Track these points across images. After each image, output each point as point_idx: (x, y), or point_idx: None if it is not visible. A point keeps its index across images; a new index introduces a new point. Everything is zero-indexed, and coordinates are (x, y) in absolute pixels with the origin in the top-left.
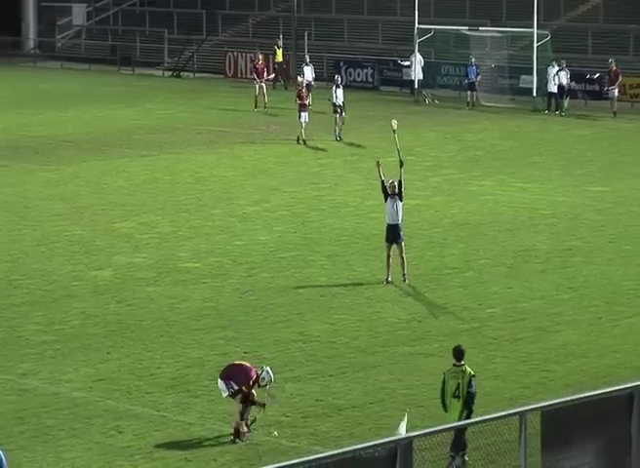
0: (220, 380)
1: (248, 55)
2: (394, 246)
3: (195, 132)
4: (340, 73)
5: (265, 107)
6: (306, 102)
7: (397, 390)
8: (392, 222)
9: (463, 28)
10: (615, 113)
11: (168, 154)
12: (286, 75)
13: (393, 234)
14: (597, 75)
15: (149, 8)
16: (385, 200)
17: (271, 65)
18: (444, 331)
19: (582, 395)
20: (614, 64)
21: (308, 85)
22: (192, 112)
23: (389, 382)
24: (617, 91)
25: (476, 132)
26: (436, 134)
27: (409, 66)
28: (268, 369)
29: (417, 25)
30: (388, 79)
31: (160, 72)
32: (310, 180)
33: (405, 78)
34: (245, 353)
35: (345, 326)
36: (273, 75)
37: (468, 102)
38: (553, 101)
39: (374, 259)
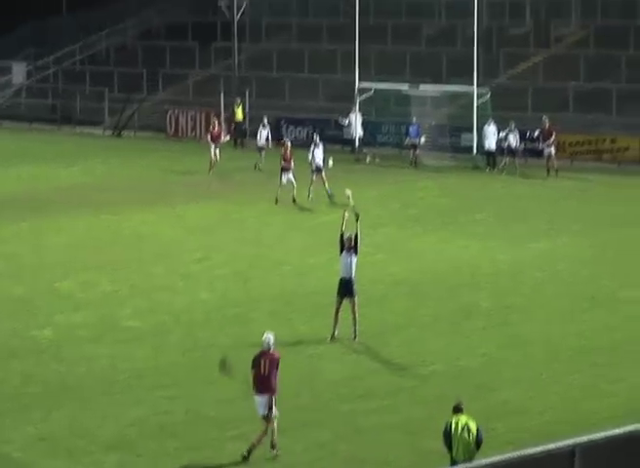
0: (261, 396)
1: (189, 113)
2: (345, 301)
3: (136, 190)
4: (280, 131)
5: (211, 168)
6: (291, 164)
7: (338, 447)
8: (346, 276)
9: (404, 87)
10: (556, 171)
11: (108, 213)
12: (242, 136)
13: (346, 288)
14: (537, 133)
15: (90, 66)
16: (340, 253)
17: (229, 126)
18: (385, 388)
19: (524, 452)
20: (547, 122)
21: (263, 146)
22: (133, 171)
23: (331, 440)
24: (553, 149)
25: (417, 190)
26: (377, 192)
27: (348, 125)
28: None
29: (357, 84)
30: (329, 137)
31: (101, 131)
32: (252, 238)
33: (346, 137)
34: (187, 412)
35: (287, 384)
36: (227, 137)
37: (411, 161)
38: (492, 159)
39: (315, 317)
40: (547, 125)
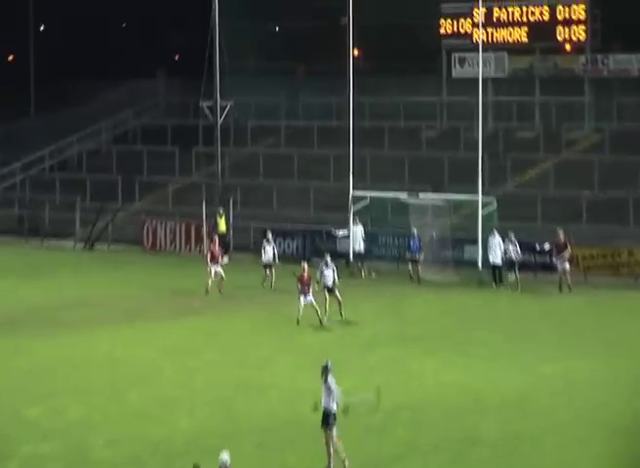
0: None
1: (168, 224)
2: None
3: (111, 307)
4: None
5: (221, 292)
6: (309, 288)
7: None
8: (325, 406)
9: (402, 195)
10: (569, 287)
11: (80, 333)
12: (226, 249)
13: (323, 419)
14: (548, 246)
15: (60, 173)
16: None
17: (212, 238)
18: None
19: None
20: (561, 235)
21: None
22: (107, 287)
23: None
24: (567, 264)
25: (417, 306)
26: (373, 309)
27: (345, 237)
28: None
29: (351, 192)
30: (319, 250)
31: (71, 244)
32: (237, 360)
33: (339, 250)
34: None
35: None
36: (227, 259)
37: (411, 277)
38: (499, 273)
39: (307, 447)
40: (562, 237)
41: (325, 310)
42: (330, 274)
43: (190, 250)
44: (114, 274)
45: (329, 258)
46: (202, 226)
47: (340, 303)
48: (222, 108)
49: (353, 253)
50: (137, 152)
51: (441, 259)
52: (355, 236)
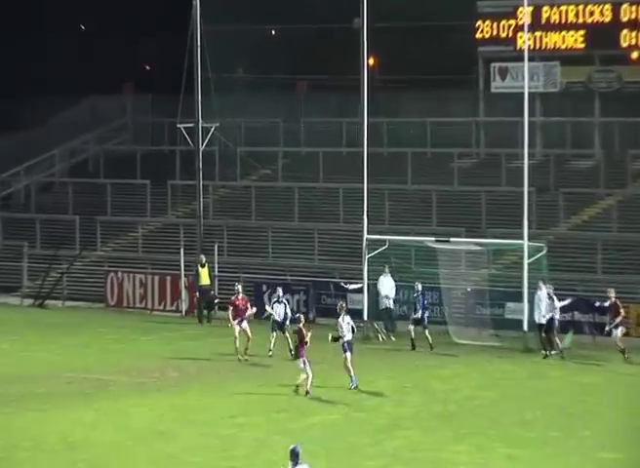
0: None
1: (137, 276)
2: None
3: (66, 380)
4: (262, 300)
5: (245, 354)
6: (307, 342)
7: None
8: None
9: (429, 239)
10: (624, 355)
11: (28, 411)
12: (210, 305)
13: None
14: (609, 303)
15: (4, 213)
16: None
17: (192, 293)
18: None
19: None
20: (613, 295)
21: (282, 324)
22: (61, 354)
23: None
24: (620, 330)
25: (446, 379)
26: (393, 382)
27: (357, 291)
28: None
29: (366, 236)
30: (327, 308)
31: (17, 300)
32: (221, 446)
33: (351, 306)
34: None
35: None
36: (254, 309)
37: (413, 343)
38: (548, 336)
39: None
40: (613, 298)
41: (350, 373)
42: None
43: (165, 308)
44: (69, 338)
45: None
46: (180, 278)
47: (350, 369)
48: (205, 131)
49: (381, 310)
50: (99, 186)
51: (477, 319)
52: (382, 289)
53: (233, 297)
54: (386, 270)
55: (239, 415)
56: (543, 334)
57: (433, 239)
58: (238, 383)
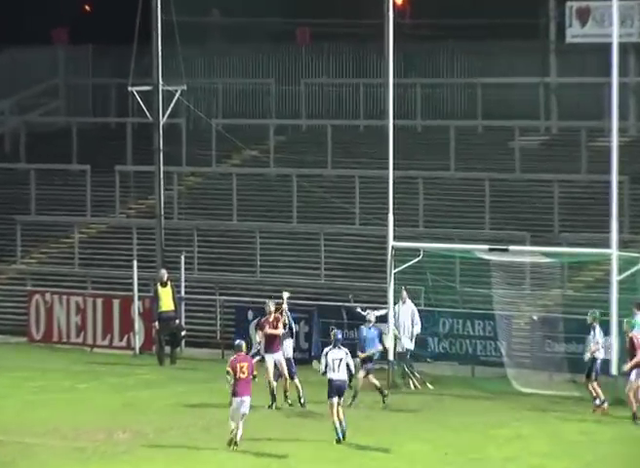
0: None
1: (71, 298)
2: None
3: None
4: (244, 328)
5: (287, 398)
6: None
7: None
8: None
9: (480, 248)
10: None
11: None
12: (175, 339)
13: None
14: None
15: None
16: None
17: (150, 322)
18: None
19: None
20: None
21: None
22: None
23: None
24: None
25: (504, 442)
26: (430, 447)
27: (379, 319)
28: None
29: (391, 242)
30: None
31: None
32: None
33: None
34: None
35: None
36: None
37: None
38: None
39: None
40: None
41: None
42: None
43: (111, 344)
44: None
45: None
46: (132, 303)
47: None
48: (168, 98)
49: (396, 350)
50: (18, 173)
51: (547, 360)
52: (401, 321)
53: (263, 319)
54: (403, 294)
55: None
56: None
57: (486, 248)
58: (214, 448)
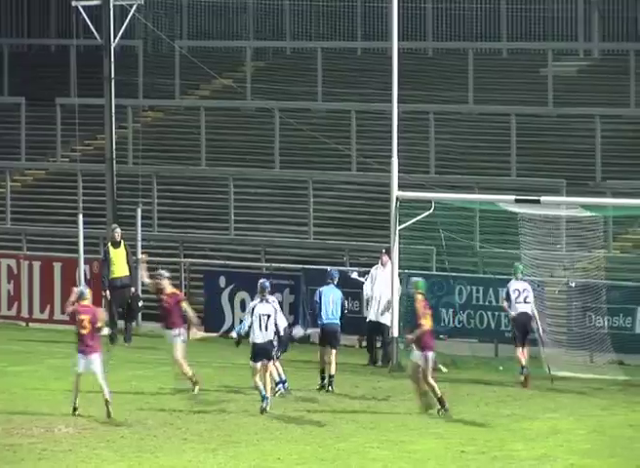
0: None
1: (3, 262)
2: None
3: None
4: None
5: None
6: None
7: None
8: None
9: (504, 199)
10: None
11: None
12: (130, 310)
13: None
14: None
15: None
16: None
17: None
18: None
19: None
20: None
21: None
22: None
23: None
24: None
25: (535, 438)
26: (444, 443)
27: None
28: None
29: (395, 191)
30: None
31: None
32: None
33: (366, 317)
34: None
35: None
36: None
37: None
38: None
39: None
40: None
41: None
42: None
43: (52, 317)
44: None
45: (266, 284)
46: (78, 267)
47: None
48: (120, 13)
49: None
50: None
51: (587, 336)
52: (376, 289)
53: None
54: (383, 258)
55: None
56: None
57: (512, 198)
58: (177, 446)
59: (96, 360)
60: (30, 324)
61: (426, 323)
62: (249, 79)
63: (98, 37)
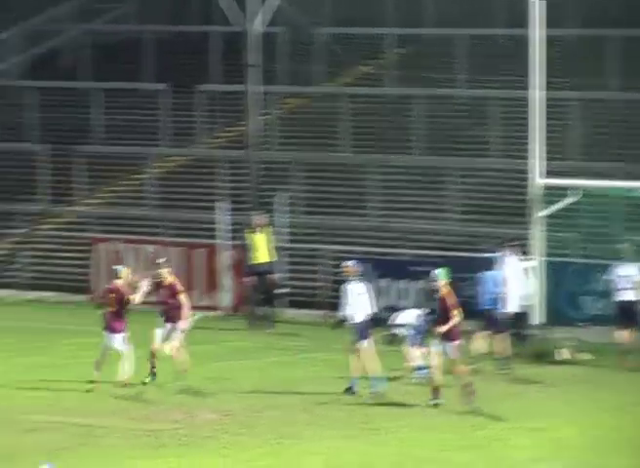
0: None
1: (144, 248)
2: None
3: (25, 426)
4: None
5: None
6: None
7: None
8: None
9: None
10: None
11: None
12: (271, 296)
13: None
14: None
15: None
16: None
17: (239, 271)
18: None
19: None
20: None
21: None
22: (19, 381)
23: None
24: None
25: None
26: (577, 430)
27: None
28: None
29: (537, 178)
30: (469, 302)
31: None
32: None
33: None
34: None
35: None
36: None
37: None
38: None
39: None
40: None
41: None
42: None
43: (194, 303)
44: (30, 356)
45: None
46: (220, 252)
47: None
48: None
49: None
50: (79, 93)
51: None
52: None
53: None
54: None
55: None
56: None
57: None
58: (318, 433)
59: (119, 338)
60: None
61: (458, 314)
62: (390, 66)
63: (239, 24)
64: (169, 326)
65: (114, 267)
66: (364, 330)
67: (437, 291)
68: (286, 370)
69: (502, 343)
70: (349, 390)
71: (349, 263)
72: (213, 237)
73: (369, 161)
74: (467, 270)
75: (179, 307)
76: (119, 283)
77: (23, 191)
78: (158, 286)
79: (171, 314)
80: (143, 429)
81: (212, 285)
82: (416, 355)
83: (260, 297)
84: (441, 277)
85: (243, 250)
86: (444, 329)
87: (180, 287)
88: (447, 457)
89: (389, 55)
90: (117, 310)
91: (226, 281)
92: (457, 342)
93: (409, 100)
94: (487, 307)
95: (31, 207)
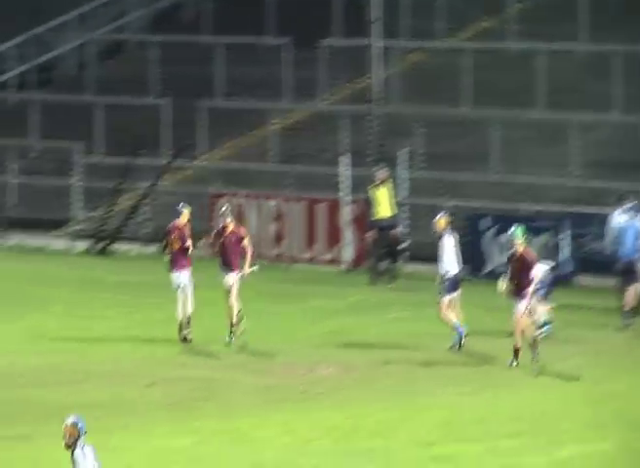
0: None
1: (266, 203)
2: None
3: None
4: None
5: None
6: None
7: None
8: None
9: None
10: None
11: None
12: (393, 252)
13: None
14: None
15: (44, 94)
16: None
17: (362, 228)
18: None
19: None
20: None
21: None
22: (146, 339)
23: None
24: None
25: None
26: None
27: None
28: None
29: None
30: (593, 260)
31: (63, 242)
32: None
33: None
34: None
35: None
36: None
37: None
38: None
39: None
40: None
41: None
42: None
43: (314, 258)
44: (150, 310)
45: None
46: (342, 206)
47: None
48: None
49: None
50: (201, 48)
51: None
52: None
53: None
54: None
55: (437, 443)
56: None
57: None
58: (438, 390)
59: (185, 275)
60: (294, 264)
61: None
62: (512, 20)
63: None
64: (234, 273)
65: (177, 207)
66: (458, 282)
67: (515, 249)
68: (407, 325)
69: (635, 295)
70: (459, 342)
71: (441, 215)
72: (335, 191)
73: (490, 116)
74: (588, 225)
75: (243, 254)
76: (180, 222)
77: (146, 145)
78: (222, 233)
79: (235, 262)
80: (262, 383)
81: (334, 239)
82: (542, 310)
83: (381, 252)
84: (518, 235)
85: (365, 204)
86: (531, 289)
87: (244, 232)
88: (570, 411)
89: (511, 9)
90: (180, 247)
91: (348, 235)
92: (526, 300)
93: (530, 55)
94: (629, 258)
95: (154, 161)
